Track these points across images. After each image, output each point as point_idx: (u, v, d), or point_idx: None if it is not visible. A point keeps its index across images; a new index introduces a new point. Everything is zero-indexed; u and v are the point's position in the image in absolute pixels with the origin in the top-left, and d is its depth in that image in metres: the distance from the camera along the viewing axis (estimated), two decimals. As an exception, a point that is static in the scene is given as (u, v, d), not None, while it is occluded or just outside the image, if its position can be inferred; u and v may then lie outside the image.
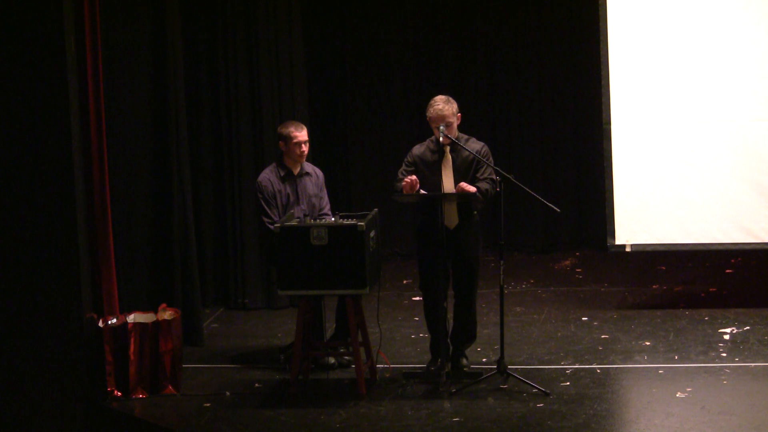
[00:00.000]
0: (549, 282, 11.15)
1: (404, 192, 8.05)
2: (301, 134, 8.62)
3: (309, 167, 8.81)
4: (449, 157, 8.18)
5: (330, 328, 8.80)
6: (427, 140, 8.30)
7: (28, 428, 7.84)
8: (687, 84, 9.79)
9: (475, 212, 8.25)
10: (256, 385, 8.31)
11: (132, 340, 8.04)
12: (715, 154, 9.78)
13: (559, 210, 8.23)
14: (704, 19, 9.75)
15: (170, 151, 9.26)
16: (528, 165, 12.22)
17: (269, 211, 8.55)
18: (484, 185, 8.09)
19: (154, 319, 8.17)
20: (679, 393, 7.74)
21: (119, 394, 8.04)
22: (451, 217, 8.18)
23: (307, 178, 8.75)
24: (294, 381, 8.08)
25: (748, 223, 9.76)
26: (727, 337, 9.00)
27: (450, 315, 8.38)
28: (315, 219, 8.44)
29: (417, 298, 10.39)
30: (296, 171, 8.71)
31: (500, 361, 8.00)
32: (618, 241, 9.91)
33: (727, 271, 11.14)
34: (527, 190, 8.07)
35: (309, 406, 7.79)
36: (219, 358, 9.04)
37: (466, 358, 8.41)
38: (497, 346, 8.14)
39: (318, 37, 12.13)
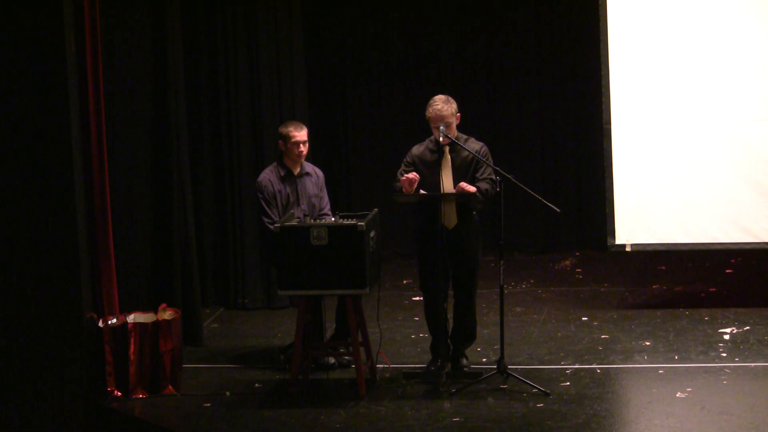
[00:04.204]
0: (549, 282, 11.15)
1: (403, 188, 8.05)
2: (300, 134, 8.62)
3: (309, 167, 8.81)
4: (449, 157, 8.18)
5: (330, 328, 8.80)
6: (427, 140, 8.30)
7: (28, 428, 7.83)
8: (687, 84, 9.79)
9: (474, 212, 8.25)
10: (256, 385, 8.31)
11: (132, 340, 8.04)
12: (715, 154, 9.78)
13: (559, 210, 8.23)
14: (704, 20, 9.75)
15: (170, 152, 9.26)
16: (528, 165, 12.21)
17: (269, 211, 8.55)
18: (484, 185, 8.08)
19: (154, 319, 8.18)
20: (679, 393, 7.74)
21: (119, 394, 8.04)
22: (451, 217, 8.18)
23: (307, 178, 8.75)
24: (294, 381, 8.09)
25: (748, 223, 9.77)
26: (727, 337, 9.00)
27: (450, 315, 8.39)
28: (315, 219, 8.44)
29: (417, 298, 10.39)
30: (296, 171, 8.71)
31: (500, 361, 8.00)
32: (618, 241, 9.91)
33: (727, 271, 11.14)
34: (527, 190, 8.07)
35: (309, 406, 7.79)
36: (219, 358, 9.04)
37: (466, 358, 8.41)
38: (497, 346, 8.15)
39: (318, 37, 12.13)
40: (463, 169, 8.18)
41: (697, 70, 9.78)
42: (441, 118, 8.07)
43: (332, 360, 8.55)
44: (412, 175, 8.04)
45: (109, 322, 8.09)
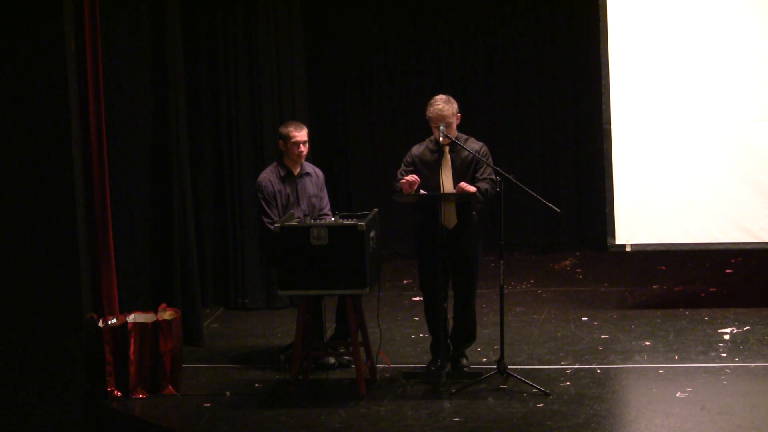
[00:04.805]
0: (549, 282, 11.14)
1: (403, 189, 8.05)
2: (300, 134, 8.62)
3: (309, 167, 8.82)
4: (448, 157, 8.18)
5: (330, 328, 8.80)
6: (426, 140, 8.30)
7: (28, 428, 7.83)
8: (687, 84, 9.79)
9: (474, 212, 8.25)
10: (256, 385, 8.31)
11: (132, 340, 8.05)
12: (715, 154, 9.78)
13: (559, 210, 8.23)
14: (704, 20, 9.75)
15: (170, 151, 9.26)
16: (528, 165, 12.21)
17: (269, 211, 8.55)
18: (484, 185, 8.08)
19: (154, 319, 8.18)
20: (679, 393, 7.74)
21: (119, 394, 8.04)
22: (450, 217, 8.18)
23: (307, 178, 8.75)
24: (294, 381, 8.09)
25: (748, 223, 9.76)
26: (727, 337, 9.00)
27: (450, 315, 8.39)
28: (315, 219, 8.44)
29: (417, 298, 10.39)
30: (296, 171, 8.71)
31: (500, 361, 8.00)
32: (618, 241, 9.91)
33: (727, 271, 11.13)
34: (527, 190, 8.07)
35: (309, 406, 7.79)
36: (219, 358, 9.04)
37: (466, 358, 8.41)
38: (497, 346, 8.15)
39: (318, 37, 12.12)
40: (463, 169, 8.17)
41: (697, 70, 9.78)
42: (441, 118, 8.07)
43: (332, 360, 8.55)
44: (412, 177, 8.03)
45: (109, 322, 8.09)
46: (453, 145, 8.18)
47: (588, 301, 10.34)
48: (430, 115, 8.14)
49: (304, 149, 8.65)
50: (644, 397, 7.80)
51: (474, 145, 8.22)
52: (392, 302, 10.47)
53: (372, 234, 8.10)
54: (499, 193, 7.92)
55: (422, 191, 8.10)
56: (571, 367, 8.41)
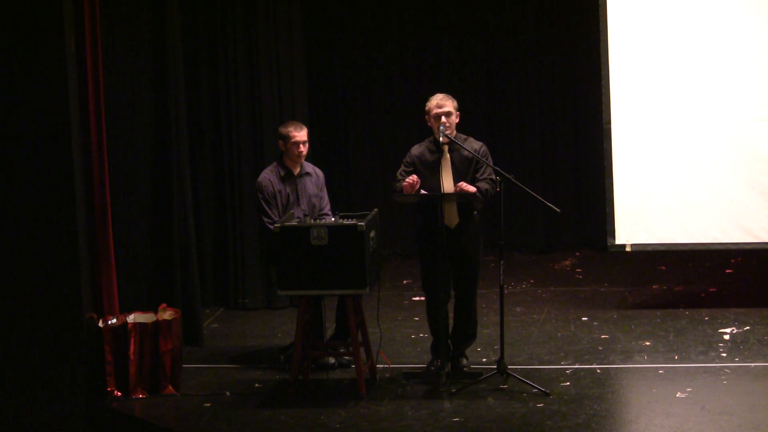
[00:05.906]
0: (549, 282, 11.14)
1: (404, 190, 8.04)
2: (300, 134, 8.63)
3: (309, 167, 8.82)
4: (448, 156, 8.18)
5: (330, 328, 8.80)
6: (426, 140, 8.30)
7: (28, 428, 7.83)
8: (687, 84, 9.79)
9: (475, 212, 8.25)
10: (256, 385, 8.31)
11: (132, 340, 8.05)
12: (715, 154, 9.78)
13: (559, 210, 8.23)
14: (704, 20, 9.75)
15: (170, 152, 9.26)
16: (528, 165, 12.21)
17: (269, 211, 8.56)
18: (483, 185, 8.08)
19: (154, 319, 8.18)
20: (679, 393, 7.74)
21: (119, 394, 8.04)
22: (452, 216, 8.18)
23: (307, 178, 8.75)
24: (294, 381, 8.09)
25: (748, 223, 9.76)
26: (727, 337, 9.00)
27: (451, 314, 8.38)
28: (315, 219, 8.45)
29: (417, 298, 10.39)
30: (296, 171, 8.72)
31: (500, 361, 8.00)
32: (618, 241, 9.91)
33: (727, 271, 11.13)
34: (527, 190, 8.07)
35: (309, 406, 7.79)
36: (219, 358, 9.04)
37: (466, 358, 8.41)
38: (497, 346, 8.15)
39: (318, 37, 12.12)
40: (463, 168, 8.17)
41: (697, 70, 9.78)
42: (441, 108, 8.07)
43: (332, 360, 8.55)
44: (412, 178, 8.02)
45: (109, 322, 8.09)
46: (452, 144, 8.18)
47: (588, 301, 10.34)
48: (431, 105, 8.13)
49: (303, 149, 8.65)
50: (644, 397, 7.80)
51: (474, 145, 8.22)
52: (392, 302, 10.47)
53: (372, 234, 8.10)
54: (499, 193, 7.92)
55: (422, 191, 8.11)
56: (571, 367, 8.41)
